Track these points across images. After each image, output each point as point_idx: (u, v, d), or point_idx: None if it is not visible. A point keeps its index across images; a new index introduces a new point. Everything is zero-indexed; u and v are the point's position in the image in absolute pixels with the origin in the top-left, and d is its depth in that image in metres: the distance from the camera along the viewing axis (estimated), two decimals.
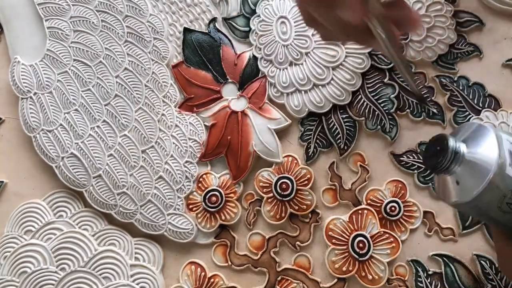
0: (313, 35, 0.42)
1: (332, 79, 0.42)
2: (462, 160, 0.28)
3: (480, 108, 0.41)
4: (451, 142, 0.28)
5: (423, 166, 0.41)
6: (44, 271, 0.40)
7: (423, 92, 0.35)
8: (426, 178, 0.41)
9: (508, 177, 0.28)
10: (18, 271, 0.40)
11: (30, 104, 0.43)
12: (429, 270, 0.39)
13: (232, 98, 0.43)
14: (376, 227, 0.40)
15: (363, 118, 0.42)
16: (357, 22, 0.29)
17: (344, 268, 0.39)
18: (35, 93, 0.43)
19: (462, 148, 0.29)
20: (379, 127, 0.42)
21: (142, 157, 0.42)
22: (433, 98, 0.42)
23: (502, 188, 0.28)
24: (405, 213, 0.40)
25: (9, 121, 0.45)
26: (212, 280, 0.41)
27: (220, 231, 0.42)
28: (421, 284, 0.39)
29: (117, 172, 0.42)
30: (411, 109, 0.42)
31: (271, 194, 0.41)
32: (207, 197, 0.42)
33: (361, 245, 0.39)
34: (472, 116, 0.41)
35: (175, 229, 0.41)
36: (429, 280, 0.39)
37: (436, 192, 0.31)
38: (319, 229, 0.41)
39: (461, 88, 0.42)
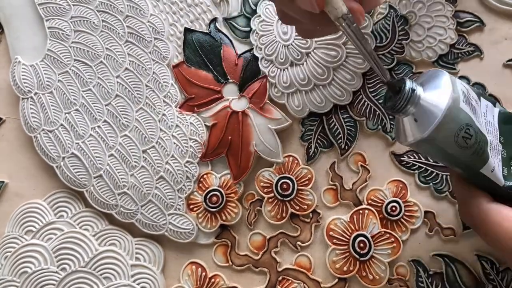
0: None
1: (333, 79, 0.42)
2: (418, 101, 0.30)
3: None
4: (408, 83, 0.30)
5: (423, 166, 0.41)
6: (45, 271, 0.40)
7: (390, 79, 0.34)
8: (427, 178, 0.41)
9: (462, 111, 0.30)
10: (19, 271, 0.40)
11: (30, 104, 0.43)
12: (430, 270, 0.39)
13: (233, 98, 0.43)
14: (377, 227, 0.40)
15: (364, 118, 0.42)
16: (315, 9, 0.29)
17: (345, 268, 0.39)
18: (35, 93, 0.43)
19: (419, 89, 0.31)
20: (380, 127, 0.42)
21: (143, 157, 0.42)
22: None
23: (457, 121, 0.30)
24: (406, 213, 0.40)
25: (9, 121, 0.45)
26: (212, 280, 0.41)
27: (220, 231, 0.42)
28: (422, 284, 0.39)
29: (118, 172, 0.42)
30: None
31: (272, 194, 0.41)
32: (207, 197, 0.42)
33: (362, 245, 0.39)
34: None
35: (176, 229, 0.41)
36: (430, 280, 0.39)
37: (395, 136, 0.34)
38: (320, 229, 0.41)
39: None
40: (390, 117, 0.42)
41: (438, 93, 0.30)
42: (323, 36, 0.40)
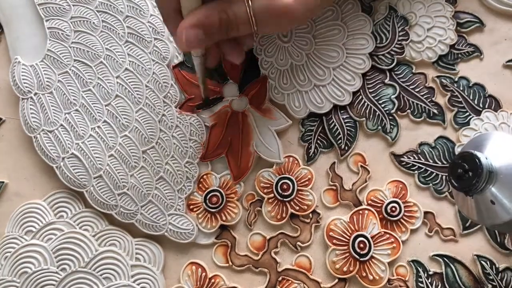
0: None
1: (332, 79, 0.42)
2: (497, 179, 0.27)
3: (481, 109, 0.41)
4: (484, 161, 0.27)
5: (423, 167, 0.41)
6: (45, 271, 0.40)
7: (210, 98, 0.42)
8: (427, 179, 0.41)
9: None
10: (19, 271, 0.40)
11: (30, 105, 0.43)
12: (430, 271, 0.40)
13: (233, 99, 0.43)
14: (376, 227, 0.40)
15: (363, 118, 0.42)
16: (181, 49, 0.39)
17: (344, 269, 0.39)
18: (35, 94, 0.43)
19: (495, 165, 0.27)
20: (379, 127, 0.42)
21: (143, 157, 0.42)
22: (433, 98, 0.42)
23: None
24: (405, 214, 0.40)
25: (9, 122, 0.45)
26: (212, 280, 0.41)
27: (220, 232, 0.42)
28: (421, 285, 0.39)
29: (118, 173, 0.42)
30: (411, 109, 0.42)
31: (272, 195, 0.41)
32: (207, 197, 0.42)
33: (361, 245, 0.39)
34: (473, 116, 0.41)
35: (176, 230, 0.41)
36: (429, 280, 0.39)
37: (462, 212, 0.30)
38: (319, 229, 0.41)
39: (461, 88, 0.42)
40: (390, 117, 0.42)
41: None
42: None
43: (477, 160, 0.27)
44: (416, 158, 0.41)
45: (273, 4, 0.34)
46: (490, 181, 0.27)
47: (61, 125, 0.42)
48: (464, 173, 0.28)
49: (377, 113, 0.42)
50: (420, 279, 0.39)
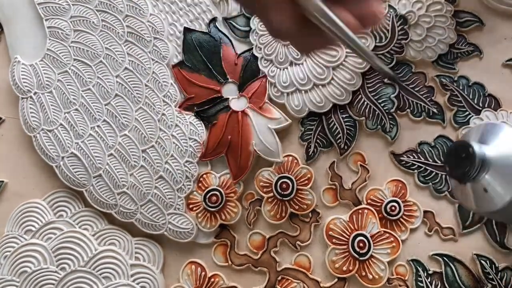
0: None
1: (332, 78, 0.42)
2: (490, 167, 0.28)
3: (480, 108, 0.41)
4: (477, 149, 0.28)
5: (423, 166, 0.41)
6: (44, 270, 0.40)
7: (392, 72, 0.31)
8: (426, 178, 0.41)
9: None
10: (18, 270, 0.40)
11: (30, 104, 0.43)
12: (429, 270, 0.39)
13: (233, 98, 0.43)
14: (376, 226, 0.40)
15: (363, 117, 0.42)
16: (286, 24, 0.26)
17: (344, 268, 0.39)
18: (35, 93, 0.43)
19: (488, 154, 0.28)
20: (379, 126, 0.42)
21: (143, 156, 0.42)
22: (433, 98, 0.42)
23: None
24: (405, 213, 0.40)
25: (9, 121, 0.45)
26: (212, 279, 0.41)
27: (220, 231, 0.42)
28: (421, 284, 0.39)
29: (117, 172, 0.42)
30: (411, 108, 0.42)
31: (272, 194, 0.41)
32: (207, 196, 0.42)
33: (361, 244, 0.39)
34: (472, 115, 0.41)
35: (176, 229, 0.41)
36: (429, 280, 0.39)
37: (457, 199, 0.31)
38: (319, 228, 0.41)
39: (461, 88, 0.42)
40: (390, 116, 0.42)
41: (510, 160, 0.27)
42: (321, 47, 0.32)
43: (470, 149, 0.28)
44: (416, 157, 0.41)
45: None
46: (483, 169, 0.28)
47: (61, 124, 0.42)
48: (458, 161, 0.28)
49: (376, 113, 0.42)
50: (419, 279, 0.39)
